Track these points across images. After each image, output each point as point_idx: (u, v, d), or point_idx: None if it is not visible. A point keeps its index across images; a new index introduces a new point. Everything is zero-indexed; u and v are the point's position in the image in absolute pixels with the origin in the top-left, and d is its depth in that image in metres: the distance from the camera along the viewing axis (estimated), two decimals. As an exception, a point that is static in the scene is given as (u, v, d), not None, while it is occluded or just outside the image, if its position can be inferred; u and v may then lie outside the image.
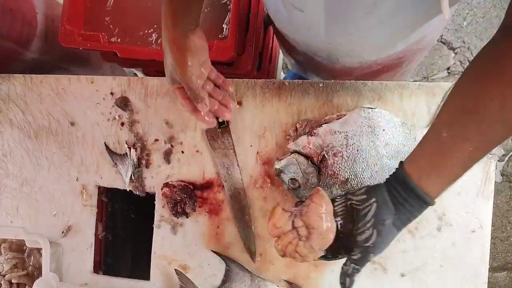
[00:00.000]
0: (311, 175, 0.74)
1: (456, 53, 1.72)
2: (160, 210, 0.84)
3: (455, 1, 0.56)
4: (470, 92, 0.49)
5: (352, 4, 0.55)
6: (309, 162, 0.75)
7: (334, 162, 0.73)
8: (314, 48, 0.78)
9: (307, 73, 1.07)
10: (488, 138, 0.48)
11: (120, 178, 0.85)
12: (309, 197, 0.58)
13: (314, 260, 0.57)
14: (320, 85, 0.80)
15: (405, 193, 0.51)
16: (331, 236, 0.55)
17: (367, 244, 0.52)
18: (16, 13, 0.94)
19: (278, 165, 0.76)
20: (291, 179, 0.75)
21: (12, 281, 0.86)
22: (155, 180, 0.84)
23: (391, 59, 0.77)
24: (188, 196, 0.80)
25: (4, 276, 0.85)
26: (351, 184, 0.74)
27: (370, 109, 0.75)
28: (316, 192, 0.58)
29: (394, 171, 0.55)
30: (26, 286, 0.87)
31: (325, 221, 0.55)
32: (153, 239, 0.84)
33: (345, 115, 0.76)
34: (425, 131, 0.56)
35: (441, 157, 0.50)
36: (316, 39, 0.71)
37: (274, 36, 1.21)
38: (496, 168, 0.82)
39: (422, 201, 0.51)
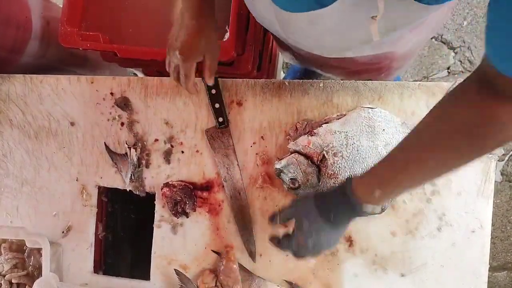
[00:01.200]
0: (311, 175, 0.74)
1: (456, 53, 1.72)
2: (160, 210, 0.84)
3: (388, 29, 0.56)
4: (421, 140, 0.52)
5: (293, 15, 0.57)
6: (309, 162, 0.75)
7: (334, 162, 0.73)
8: (283, 41, 0.78)
9: (305, 64, 1.07)
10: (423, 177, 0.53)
11: (120, 178, 0.85)
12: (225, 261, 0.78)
13: None
14: (320, 85, 0.80)
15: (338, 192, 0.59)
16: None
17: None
18: (10, 20, 0.91)
19: (278, 165, 0.76)
20: (291, 179, 0.75)
21: (12, 281, 0.86)
22: (155, 180, 0.84)
23: (366, 62, 0.77)
24: (188, 196, 0.80)
25: (4, 276, 0.85)
26: None
27: (370, 109, 0.75)
28: (227, 253, 0.79)
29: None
30: (26, 286, 0.87)
31: (232, 281, 0.77)
32: (153, 239, 0.84)
33: (345, 115, 0.76)
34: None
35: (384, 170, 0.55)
36: (278, 33, 0.72)
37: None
38: (496, 168, 0.82)
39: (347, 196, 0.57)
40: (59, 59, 1.12)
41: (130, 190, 0.85)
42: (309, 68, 1.09)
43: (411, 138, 0.53)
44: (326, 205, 0.60)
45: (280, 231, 0.73)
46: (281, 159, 0.76)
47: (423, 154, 0.51)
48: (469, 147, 0.47)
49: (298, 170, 0.74)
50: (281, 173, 0.76)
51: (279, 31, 0.68)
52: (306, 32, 0.62)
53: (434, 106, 0.51)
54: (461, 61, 1.72)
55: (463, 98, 0.47)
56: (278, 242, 0.68)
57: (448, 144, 0.48)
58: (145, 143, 0.85)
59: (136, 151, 0.84)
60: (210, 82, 0.74)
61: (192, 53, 0.67)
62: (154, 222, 0.84)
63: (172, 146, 0.84)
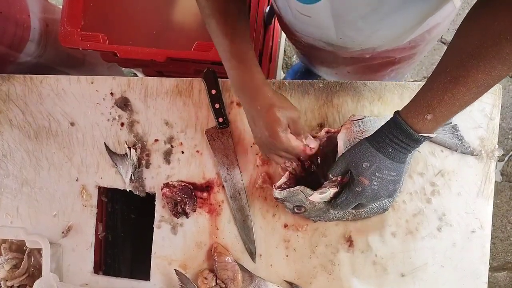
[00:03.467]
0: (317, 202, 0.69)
1: (456, 53, 1.72)
2: (160, 210, 0.84)
3: None
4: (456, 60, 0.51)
5: (357, 3, 0.56)
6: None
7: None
8: (323, 43, 0.77)
9: (312, 64, 1.05)
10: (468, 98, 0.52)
11: (120, 179, 0.85)
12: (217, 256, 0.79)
13: None
14: (320, 85, 0.80)
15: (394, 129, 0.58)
16: (239, 279, 0.78)
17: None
18: (9, 16, 0.93)
19: (278, 195, 0.69)
20: (296, 206, 0.70)
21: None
22: (155, 180, 0.84)
23: (404, 48, 0.76)
24: (188, 197, 0.80)
25: (6, 280, 0.85)
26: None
27: (360, 121, 0.70)
28: (215, 250, 0.79)
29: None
30: (27, 286, 0.87)
31: (231, 272, 0.78)
32: (153, 239, 0.84)
33: (329, 131, 0.71)
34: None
35: (426, 95, 0.55)
36: (327, 36, 0.71)
37: (274, 34, 1.21)
38: (496, 168, 0.82)
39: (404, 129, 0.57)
40: (57, 60, 1.13)
41: (130, 191, 0.85)
42: (317, 69, 1.09)
43: (451, 57, 0.52)
44: (383, 141, 0.59)
45: (322, 194, 0.66)
46: (280, 186, 0.69)
47: (469, 69, 0.50)
48: None
49: (304, 199, 0.68)
50: (284, 201, 0.70)
51: (332, 31, 0.67)
52: (367, 19, 0.61)
53: (466, 19, 0.51)
54: (461, 61, 1.71)
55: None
56: (329, 202, 0.66)
57: (495, 52, 0.47)
58: (145, 143, 0.85)
59: (136, 151, 0.84)
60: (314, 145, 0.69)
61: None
62: (154, 222, 0.84)
63: (172, 146, 0.84)
